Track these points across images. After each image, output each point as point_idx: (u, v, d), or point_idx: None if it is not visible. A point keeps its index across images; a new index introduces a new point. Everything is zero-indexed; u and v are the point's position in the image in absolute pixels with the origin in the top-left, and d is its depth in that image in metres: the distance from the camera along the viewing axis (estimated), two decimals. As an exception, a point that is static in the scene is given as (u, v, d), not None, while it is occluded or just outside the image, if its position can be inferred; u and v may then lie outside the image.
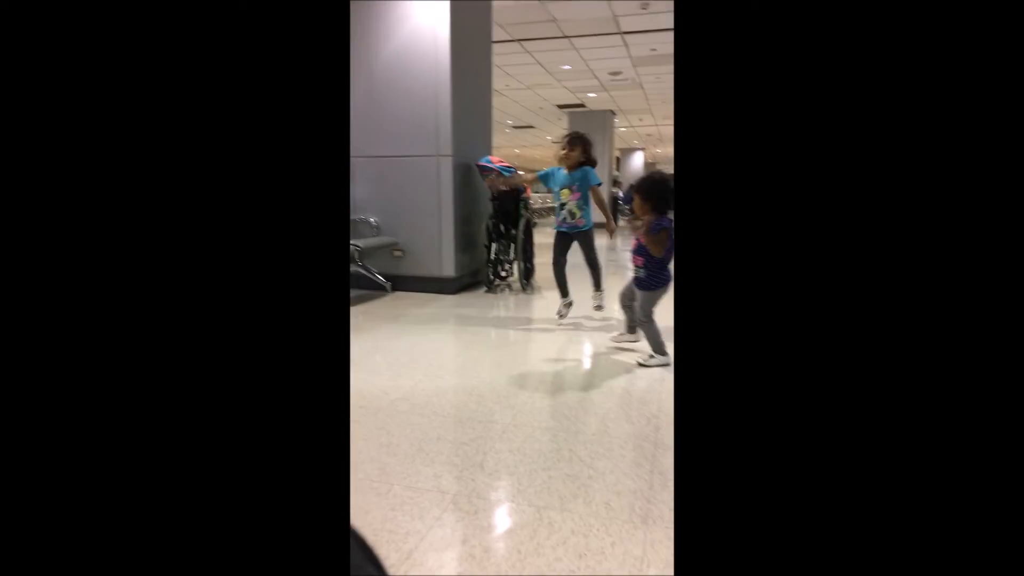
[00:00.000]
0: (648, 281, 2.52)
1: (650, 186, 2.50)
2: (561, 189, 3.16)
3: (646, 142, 17.58)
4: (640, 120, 12.97)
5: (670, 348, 2.54)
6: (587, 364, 2.66)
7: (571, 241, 3.22)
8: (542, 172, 3.35)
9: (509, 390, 2.25)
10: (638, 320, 2.61)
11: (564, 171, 3.16)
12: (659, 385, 2.32)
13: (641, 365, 2.54)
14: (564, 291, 3.33)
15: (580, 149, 3.12)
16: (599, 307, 3.38)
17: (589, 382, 2.39)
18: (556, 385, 2.35)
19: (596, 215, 3.24)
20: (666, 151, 20.52)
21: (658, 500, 1.44)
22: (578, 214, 3.15)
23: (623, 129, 14.19)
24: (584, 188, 3.13)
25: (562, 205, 3.17)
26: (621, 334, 2.85)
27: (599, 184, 3.18)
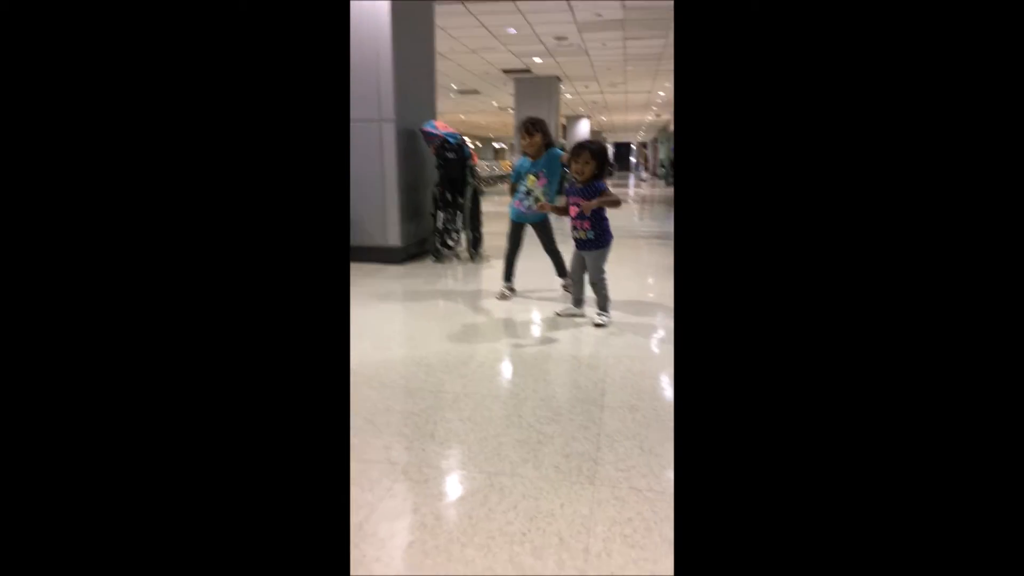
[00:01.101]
0: (599, 240, 2.64)
1: (602, 152, 2.64)
2: (528, 175, 3.05)
3: (592, 109, 17.61)
4: (586, 87, 12.94)
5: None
6: (535, 332, 2.69)
7: (524, 230, 3.16)
8: (512, 174, 3.21)
9: (458, 360, 2.25)
10: (594, 280, 2.69)
11: (528, 160, 3.05)
12: (604, 350, 2.38)
13: (598, 326, 2.64)
14: (509, 275, 3.26)
15: (540, 133, 3.00)
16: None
17: (537, 350, 2.42)
18: (505, 354, 2.37)
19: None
20: (611, 119, 20.65)
21: (604, 461, 1.49)
22: (544, 201, 3.04)
23: (569, 96, 14.13)
24: (552, 174, 3.03)
25: (528, 192, 3.05)
26: (567, 307, 2.89)
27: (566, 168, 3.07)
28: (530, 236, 3.19)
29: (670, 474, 1.44)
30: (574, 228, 2.67)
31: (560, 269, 3.31)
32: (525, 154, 3.09)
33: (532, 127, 3.01)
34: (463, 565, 1.10)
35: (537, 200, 3.02)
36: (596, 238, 2.63)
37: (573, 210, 2.64)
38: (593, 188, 2.60)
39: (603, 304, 2.71)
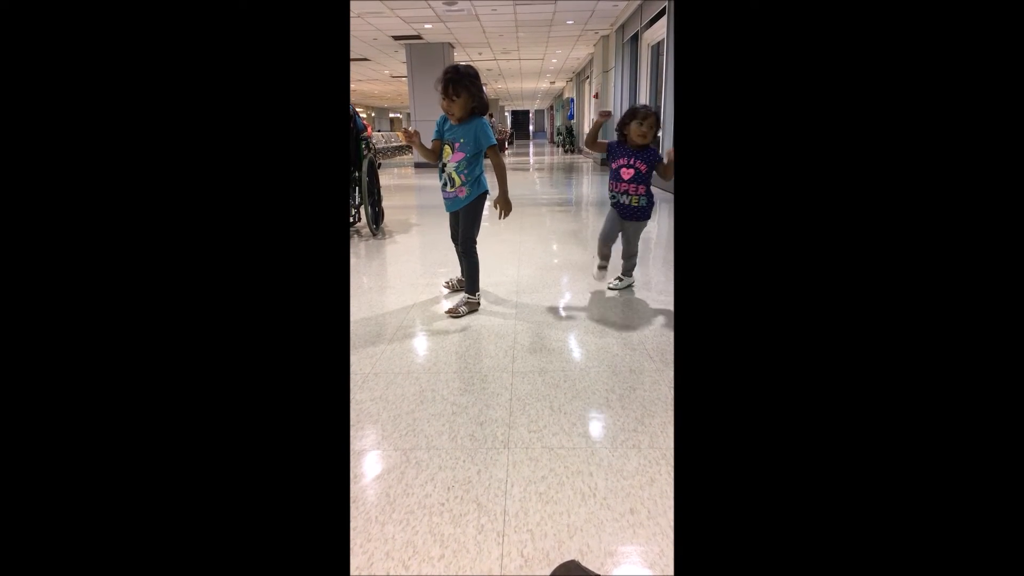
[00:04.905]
0: (648, 208, 2.63)
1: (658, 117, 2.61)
2: (444, 144, 2.40)
3: (487, 77, 17.42)
4: (479, 54, 12.75)
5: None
6: (442, 307, 2.68)
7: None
8: (435, 130, 2.48)
9: (367, 339, 2.20)
10: (633, 251, 2.73)
11: (449, 120, 2.39)
12: (512, 318, 2.42)
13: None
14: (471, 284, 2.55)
15: (466, 92, 2.24)
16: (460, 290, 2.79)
17: (446, 324, 2.42)
18: (414, 330, 2.35)
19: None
20: (507, 86, 20.55)
21: (517, 425, 1.53)
22: (458, 181, 2.36)
23: (463, 63, 13.86)
24: (471, 148, 2.33)
25: (443, 166, 2.42)
26: (623, 279, 2.82)
27: (495, 145, 2.36)
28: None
29: (580, 430, 1.51)
30: (624, 193, 2.57)
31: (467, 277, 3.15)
32: (447, 112, 2.37)
33: (459, 80, 2.24)
34: (383, 543, 1.10)
35: (452, 180, 2.39)
36: (648, 205, 2.60)
37: (627, 172, 2.55)
38: (651, 152, 2.53)
39: (631, 270, 2.80)
